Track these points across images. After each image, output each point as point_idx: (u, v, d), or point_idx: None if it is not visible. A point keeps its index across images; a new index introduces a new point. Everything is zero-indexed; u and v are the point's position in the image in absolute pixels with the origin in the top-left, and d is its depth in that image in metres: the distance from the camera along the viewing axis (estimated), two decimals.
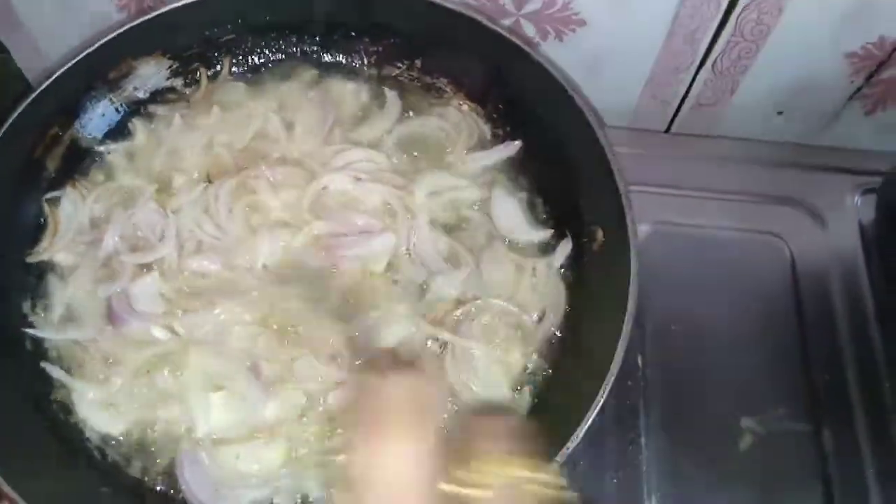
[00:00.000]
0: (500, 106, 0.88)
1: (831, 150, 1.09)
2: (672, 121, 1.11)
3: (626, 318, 0.66)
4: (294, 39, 0.90)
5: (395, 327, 0.75)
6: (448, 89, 0.90)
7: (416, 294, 0.77)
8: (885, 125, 1.07)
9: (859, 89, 1.02)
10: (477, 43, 0.84)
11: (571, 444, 0.62)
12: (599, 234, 0.76)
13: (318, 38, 0.90)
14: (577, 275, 0.78)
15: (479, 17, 0.82)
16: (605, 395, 0.64)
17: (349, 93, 0.89)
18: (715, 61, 1.00)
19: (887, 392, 0.86)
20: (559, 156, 0.81)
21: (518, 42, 0.81)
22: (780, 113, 1.08)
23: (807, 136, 1.11)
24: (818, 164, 1.06)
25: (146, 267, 0.76)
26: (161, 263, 0.75)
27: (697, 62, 1.00)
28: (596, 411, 0.63)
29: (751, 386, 0.87)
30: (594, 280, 0.75)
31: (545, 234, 0.81)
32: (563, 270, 0.80)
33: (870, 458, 0.83)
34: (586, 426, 0.62)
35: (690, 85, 1.04)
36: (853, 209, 0.99)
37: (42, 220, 0.79)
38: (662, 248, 0.97)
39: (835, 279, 0.94)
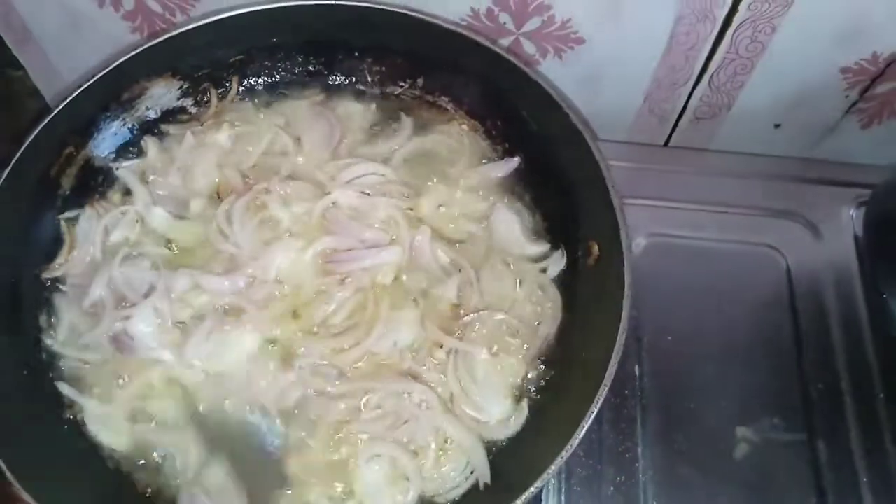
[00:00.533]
0: (500, 123, 0.90)
1: (828, 164, 1.11)
2: (670, 135, 1.13)
3: (620, 331, 0.68)
4: (300, 60, 0.93)
5: (402, 334, 0.77)
6: (449, 107, 0.92)
7: (420, 302, 0.79)
8: (881, 139, 1.09)
9: (854, 104, 1.04)
10: (476, 62, 0.86)
11: (566, 454, 0.64)
12: (595, 249, 0.78)
13: (323, 59, 0.93)
14: (573, 287, 0.80)
15: (477, 38, 0.84)
16: (598, 407, 0.66)
17: (355, 111, 0.92)
18: (711, 77, 1.02)
19: (881, 402, 0.88)
20: (557, 172, 0.84)
21: (515, 61, 0.84)
22: (777, 127, 1.10)
23: (804, 150, 1.13)
24: (815, 178, 1.08)
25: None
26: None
27: (694, 78, 1.02)
28: (589, 422, 0.65)
29: (746, 395, 0.89)
30: (589, 293, 0.77)
31: (543, 247, 0.84)
32: (559, 283, 0.82)
33: (863, 467, 0.85)
34: (580, 437, 0.64)
35: (688, 100, 1.06)
36: (849, 221, 1.00)
37: (59, 237, 0.81)
38: (659, 259, 0.99)
39: (830, 290, 0.96)
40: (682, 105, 1.07)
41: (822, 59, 0.98)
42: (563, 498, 0.81)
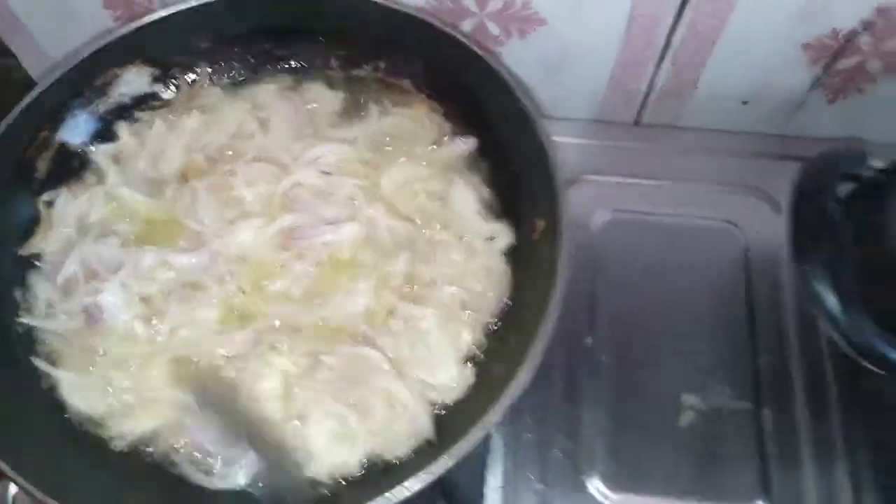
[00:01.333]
0: (458, 104, 0.93)
1: (798, 139, 1.12)
2: (639, 113, 1.14)
3: (553, 303, 0.72)
4: (268, 46, 0.96)
5: (357, 304, 0.82)
6: (411, 89, 0.95)
7: (375, 274, 0.83)
8: (848, 114, 1.09)
9: (819, 80, 1.05)
10: (433, 45, 0.89)
11: (495, 419, 0.68)
12: (540, 224, 0.81)
13: (290, 45, 0.96)
14: (520, 261, 0.83)
15: (431, 20, 0.88)
16: (531, 374, 0.69)
17: (321, 94, 0.95)
18: (674, 55, 1.03)
19: (829, 376, 0.89)
20: (509, 151, 0.87)
21: (467, 42, 0.87)
22: (744, 103, 1.11)
23: (773, 126, 1.13)
24: (783, 153, 1.09)
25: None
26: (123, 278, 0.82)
27: (657, 56, 1.04)
28: (520, 390, 0.69)
29: (697, 365, 0.91)
30: (534, 266, 0.80)
31: (495, 223, 0.87)
32: (508, 256, 0.85)
33: (808, 439, 0.87)
34: (508, 403, 0.68)
35: (653, 78, 1.08)
36: None
37: (37, 216, 0.86)
38: (622, 234, 1.01)
39: (785, 265, 0.97)
40: (648, 83, 1.09)
41: (783, 35, 0.98)
42: (510, 461, 0.85)
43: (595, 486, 0.84)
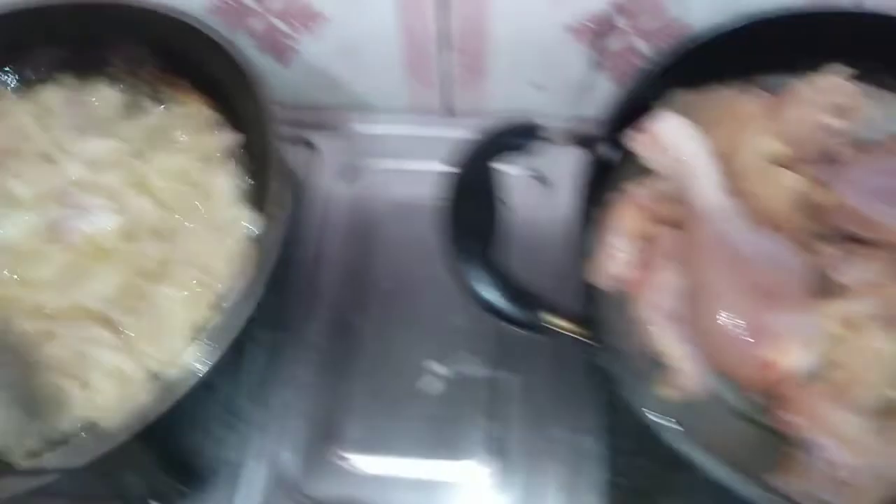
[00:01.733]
0: (222, 101, 0.98)
1: (599, 122, 1.15)
2: (446, 101, 1.18)
3: (254, 285, 0.77)
4: (56, 52, 1.02)
5: (109, 285, 0.87)
6: (185, 85, 1.00)
7: (127, 259, 0.89)
8: None
9: (596, 61, 1.08)
10: (194, 43, 0.94)
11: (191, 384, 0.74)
12: (277, 214, 0.86)
13: (76, 50, 1.02)
14: (261, 248, 0.88)
15: (183, 18, 0.93)
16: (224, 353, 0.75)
17: (103, 94, 1.01)
18: (452, 42, 1.07)
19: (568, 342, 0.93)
20: (257, 147, 0.92)
21: (218, 40, 0.92)
22: (537, 88, 1.14)
23: (573, 109, 1.17)
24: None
25: None
26: None
27: (438, 43, 1.08)
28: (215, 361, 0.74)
29: (447, 336, 0.96)
30: (265, 251, 0.85)
31: (246, 210, 0.92)
32: (254, 241, 0.89)
33: (546, 402, 0.91)
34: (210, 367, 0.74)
35: (443, 65, 1.12)
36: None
37: None
38: (402, 220, 1.07)
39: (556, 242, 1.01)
40: (439, 71, 1.13)
41: (545, 19, 1.02)
42: (263, 435, 0.90)
43: (343, 452, 0.90)
